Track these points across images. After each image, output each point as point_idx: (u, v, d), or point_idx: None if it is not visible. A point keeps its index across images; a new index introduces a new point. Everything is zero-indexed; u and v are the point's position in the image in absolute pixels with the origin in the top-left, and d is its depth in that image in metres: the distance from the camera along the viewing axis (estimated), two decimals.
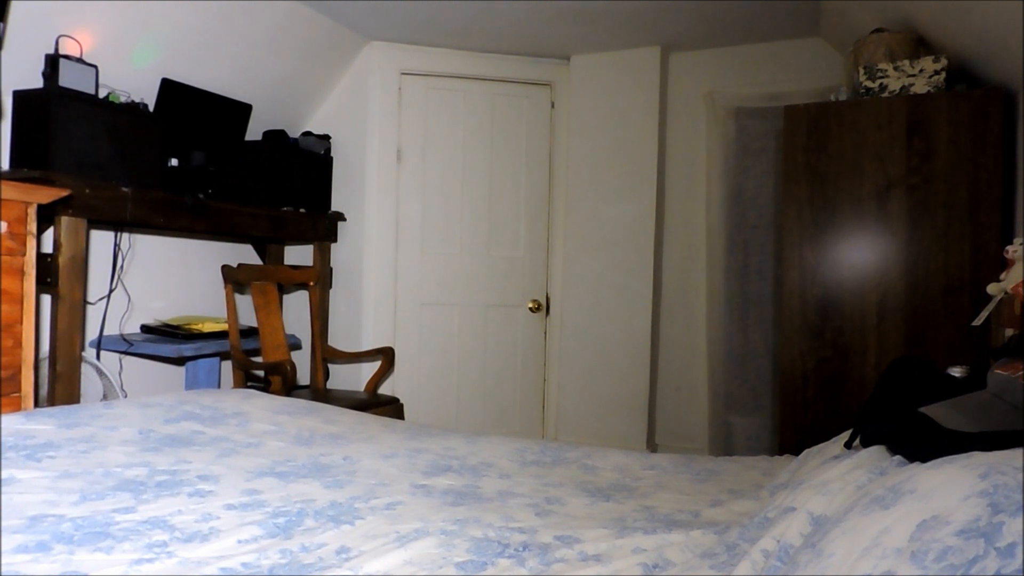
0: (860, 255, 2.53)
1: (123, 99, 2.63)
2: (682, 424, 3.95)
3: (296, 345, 3.56)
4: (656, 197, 3.80)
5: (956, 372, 1.78)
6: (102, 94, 2.57)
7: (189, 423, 1.80)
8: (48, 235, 2.53)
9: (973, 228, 2.38)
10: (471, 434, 2.04)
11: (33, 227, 2.06)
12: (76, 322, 2.45)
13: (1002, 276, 2.03)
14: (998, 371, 1.41)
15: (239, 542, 1.13)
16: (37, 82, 2.41)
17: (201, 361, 3.10)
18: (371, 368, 3.54)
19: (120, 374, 2.97)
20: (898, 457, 1.13)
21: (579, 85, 3.92)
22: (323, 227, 3.68)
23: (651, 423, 3.88)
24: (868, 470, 1.14)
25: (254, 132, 3.40)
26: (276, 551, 1.10)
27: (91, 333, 2.91)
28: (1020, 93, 2.39)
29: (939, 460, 0.93)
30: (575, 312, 3.89)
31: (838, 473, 1.20)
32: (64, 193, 2.14)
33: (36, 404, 2.12)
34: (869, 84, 2.56)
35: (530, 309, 3.81)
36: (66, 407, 1.80)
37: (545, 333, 3.94)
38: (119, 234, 3.00)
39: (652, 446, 3.89)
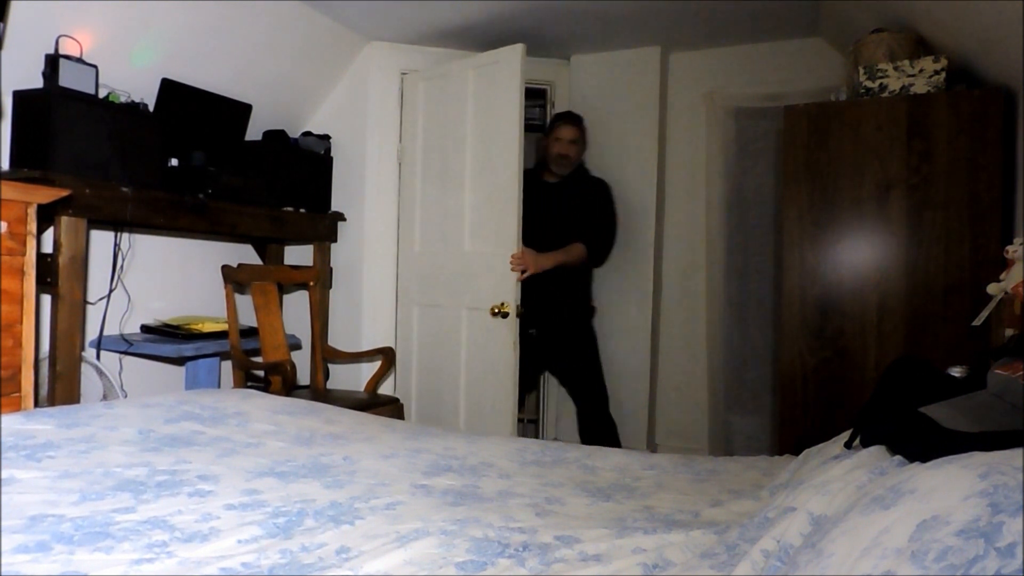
0: (860, 255, 2.53)
1: (123, 99, 2.63)
2: (682, 424, 3.95)
3: (296, 345, 3.57)
4: (656, 197, 3.80)
5: (956, 372, 1.78)
6: (102, 94, 2.57)
7: (189, 423, 1.80)
8: (48, 235, 2.53)
9: (973, 228, 2.38)
10: (471, 434, 2.04)
11: (33, 227, 2.06)
12: (76, 322, 2.45)
13: (1002, 276, 2.03)
14: (998, 371, 1.41)
15: (239, 542, 1.13)
16: (37, 82, 2.41)
17: (201, 361, 3.10)
18: (371, 368, 3.54)
19: (120, 374, 2.96)
20: (898, 457, 1.13)
21: (579, 85, 3.92)
22: (323, 227, 3.68)
23: (651, 423, 3.88)
24: (868, 470, 1.14)
25: (254, 132, 3.40)
26: (276, 551, 1.10)
27: (91, 333, 2.91)
28: (1020, 93, 2.39)
29: (939, 460, 0.93)
30: None
31: (838, 473, 1.20)
32: (64, 193, 2.14)
33: (36, 404, 2.12)
34: (869, 84, 2.56)
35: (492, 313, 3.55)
36: (66, 407, 1.80)
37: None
38: (119, 234, 3.00)
39: (652, 446, 3.89)
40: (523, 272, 3.17)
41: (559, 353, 3.52)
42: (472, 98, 3.43)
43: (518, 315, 3.21)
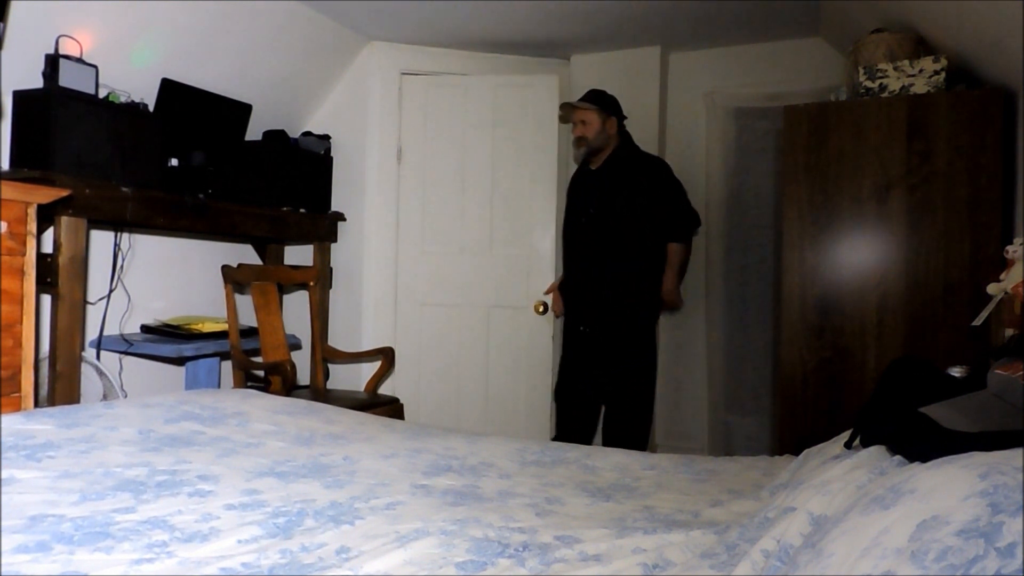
0: (860, 255, 2.53)
1: (123, 99, 2.63)
2: (682, 424, 3.95)
3: (296, 345, 3.57)
4: None
5: (956, 372, 1.78)
6: (102, 94, 2.57)
7: (189, 423, 1.80)
8: (48, 235, 2.53)
9: (973, 228, 2.38)
10: (471, 434, 2.04)
11: (33, 227, 2.06)
12: (76, 322, 2.45)
13: (1002, 276, 2.03)
14: (998, 371, 1.41)
15: (239, 542, 1.13)
16: (37, 82, 2.41)
17: (201, 361, 3.10)
18: (371, 368, 3.54)
19: (120, 374, 2.96)
20: (898, 457, 1.13)
21: (579, 85, 3.92)
22: (323, 227, 3.68)
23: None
24: (868, 470, 1.14)
25: (254, 132, 3.40)
26: (276, 551, 1.10)
27: (91, 333, 2.91)
28: (1020, 93, 2.39)
29: (939, 460, 0.93)
30: None
31: (838, 473, 1.20)
32: (64, 193, 2.14)
33: (36, 404, 2.12)
34: (869, 84, 2.56)
35: (537, 311, 3.70)
36: (66, 407, 1.80)
37: (553, 336, 3.93)
38: (119, 234, 3.00)
39: (652, 446, 3.89)
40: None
41: (614, 356, 3.20)
42: (500, 114, 3.78)
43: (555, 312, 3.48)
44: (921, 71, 2.49)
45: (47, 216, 2.35)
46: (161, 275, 3.27)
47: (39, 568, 0.97)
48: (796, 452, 1.79)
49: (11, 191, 1.99)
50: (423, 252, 3.83)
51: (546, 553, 1.12)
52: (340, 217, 3.75)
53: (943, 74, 2.47)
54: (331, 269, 3.79)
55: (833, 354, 2.56)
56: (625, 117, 3.31)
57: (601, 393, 3.29)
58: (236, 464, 1.52)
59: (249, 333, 3.15)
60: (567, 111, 3.32)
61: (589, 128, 3.21)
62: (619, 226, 3.17)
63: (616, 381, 3.22)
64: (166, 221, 2.79)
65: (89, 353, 2.80)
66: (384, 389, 3.62)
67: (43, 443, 1.51)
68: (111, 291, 2.97)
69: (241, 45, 3.17)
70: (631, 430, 3.20)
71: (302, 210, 3.48)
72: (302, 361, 3.60)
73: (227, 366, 3.27)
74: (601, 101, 3.23)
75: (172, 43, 2.91)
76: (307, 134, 3.63)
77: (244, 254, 3.71)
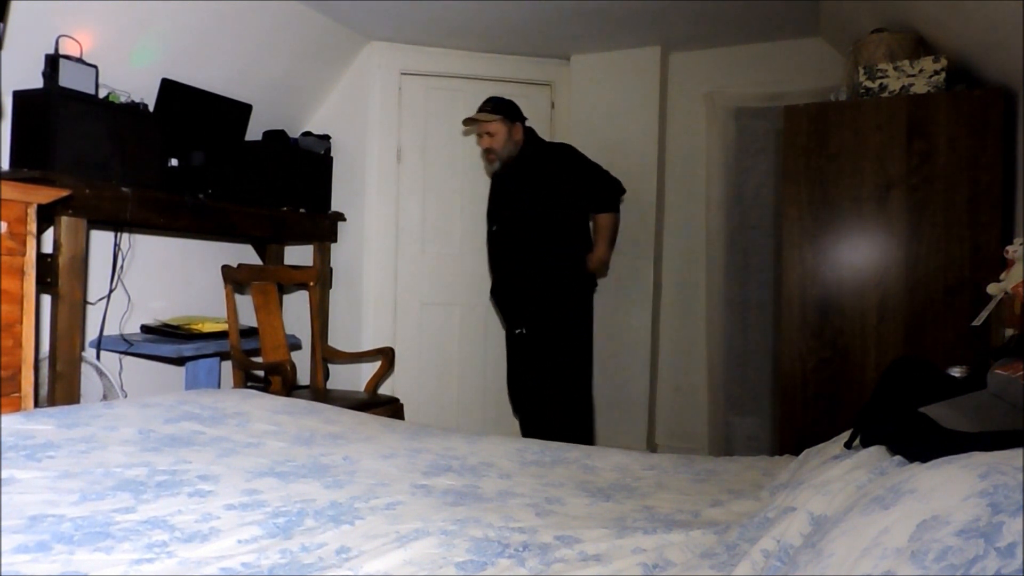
0: (860, 255, 2.53)
1: (123, 99, 2.63)
2: (682, 424, 3.95)
3: (296, 345, 3.57)
4: (656, 197, 3.80)
5: (956, 372, 1.78)
6: (102, 94, 2.57)
7: (189, 423, 1.80)
8: (48, 235, 2.53)
9: (973, 228, 2.38)
10: (471, 434, 2.04)
11: (33, 227, 2.06)
12: (76, 322, 2.45)
13: (1002, 276, 2.03)
14: (998, 371, 1.41)
15: (239, 542, 1.12)
16: (37, 82, 2.41)
17: (201, 361, 3.10)
18: (371, 368, 3.54)
19: (120, 374, 2.97)
20: (898, 457, 1.13)
21: (579, 85, 3.92)
22: (323, 227, 3.68)
23: (651, 423, 3.88)
24: (868, 470, 1.14)
25: (254, 132, 3.40)
26: (276, 551, 1.10)
27: (91, 333, 2.91)
28: (1020, 93, 2.39)
29: (939, 460, 0.93)
30: None
31: (838, 473, 1.20)
32: (64, 193, 2.14)
33: (36, 404, 2.12)
34: (869, 84, 2.56)
35: None
36: (66, 407, 1.80)
37: None
38: (119, 234, 3.00)
39: (652, 446, 3.89)
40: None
41: (549, 352, 3.13)
42: None
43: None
44: (921, 71, 2.49)
45: (47, 216, 2.35)
46: (161, 275, 3.27)
47: (39, 568, 0.97)
48: (796, 452, 1.79)
49: (11, 191, 1.99)
50: (423, 252, 3.83)
51: (546, 553, 1.12)
52: (340, 217, 3.75)
53: (943, 74, 2.47)
54: (331, 269, 3.79)
55: (833, 354, 2.56)
56: (526, 118, 3.24)
57: (535, 395, 3.23)
58: (236, 464, 1.52)
59: (249, 333, 3.15)
60: (470, 125, 3.24)
61: (496, 139, 3.14)
62: (536, 219, 3.11)
63: (546, 378, 3.16)
64: (166, 221, 2.79)
65: (89, 353, 2.80)
66: (384, 389, 3.62)
67: (43, 443, 1.51)
68: (111, 291, 2.97)
69: (241, 45, 3.17)
70: (562, 417, 3.12)
71: (302, 210, 3.48)
72: (302, 361, 3.60)
73: (227, 366, 3.27)
74: (503, 109, 3.16)
75: (172, 43, 2.91)
76: (307, 134, 3.63)
77: (244, 254, 3.71)
